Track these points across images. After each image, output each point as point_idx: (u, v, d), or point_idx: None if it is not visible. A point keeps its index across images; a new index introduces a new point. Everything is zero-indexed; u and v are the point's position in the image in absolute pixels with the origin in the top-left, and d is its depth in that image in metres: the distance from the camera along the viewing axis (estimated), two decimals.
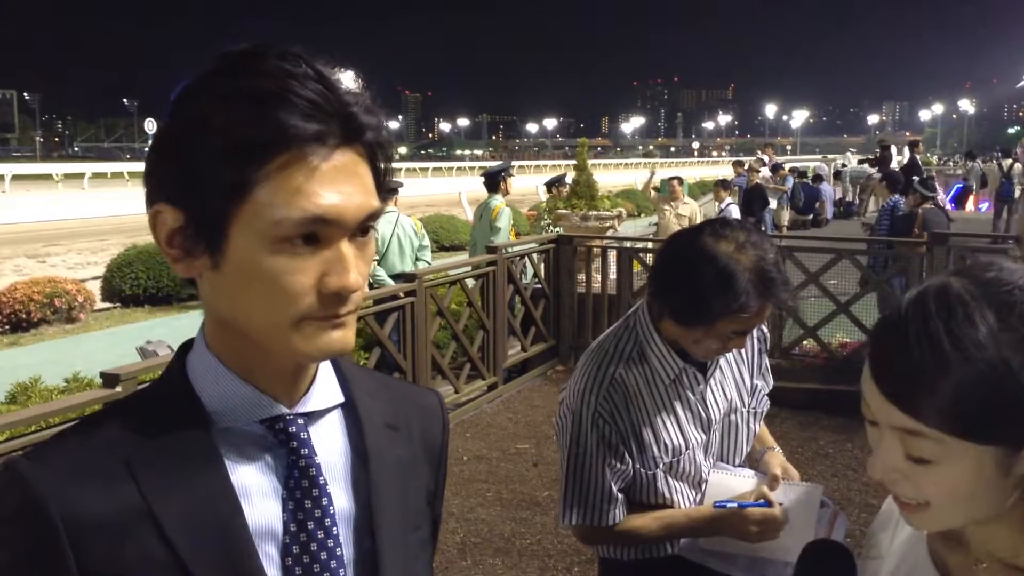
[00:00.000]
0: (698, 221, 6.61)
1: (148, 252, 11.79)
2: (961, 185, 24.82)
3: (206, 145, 0.80)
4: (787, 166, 20.95)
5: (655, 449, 1.90)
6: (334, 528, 0.90)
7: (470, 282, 6.81)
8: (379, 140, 0.87)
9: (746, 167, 17.36)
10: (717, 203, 11.93)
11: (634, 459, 1.90)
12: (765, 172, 17.67)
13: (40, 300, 10.26)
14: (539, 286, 7.75)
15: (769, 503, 1.87)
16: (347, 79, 0.84)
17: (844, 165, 26.48)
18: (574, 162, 10.60)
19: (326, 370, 0.96)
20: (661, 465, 1.91)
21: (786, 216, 18.15)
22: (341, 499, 0.92)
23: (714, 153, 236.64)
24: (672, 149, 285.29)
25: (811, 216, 19.62)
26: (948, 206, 21.02)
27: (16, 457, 0.85)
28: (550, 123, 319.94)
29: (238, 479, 0.87)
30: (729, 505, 1.88)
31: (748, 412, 2.07)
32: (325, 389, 0.95)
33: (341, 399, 0.96)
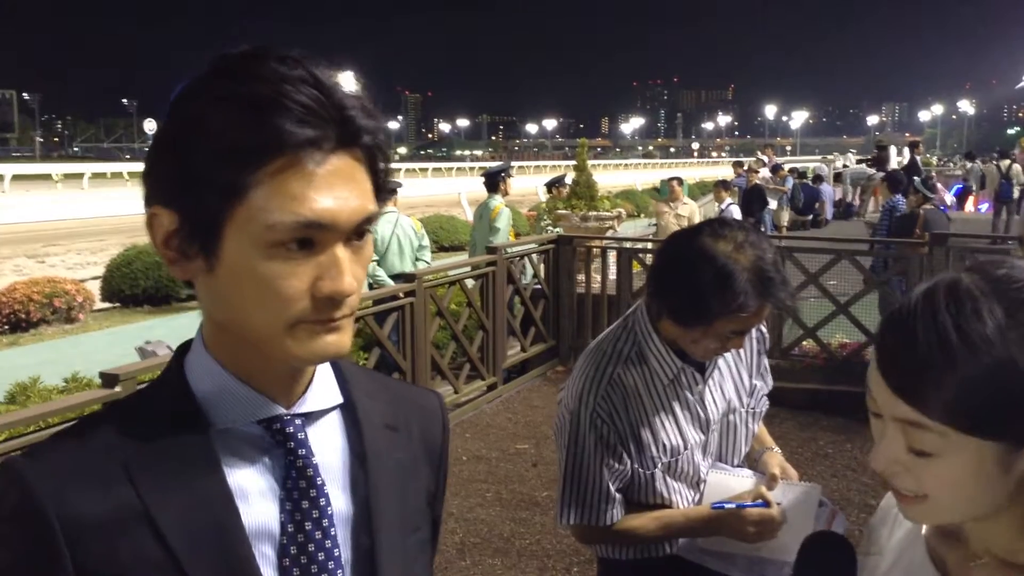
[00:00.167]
0: (697, 221, 6.61)
1: (148, 252, 11.78)
2: (961, 186, 24.82)
3: (201, 148, 0.80)
4: (787, 167, 20.94)
5: (653, 449, 1.90)
6: (332, 529, 0.90)
7: (470, 282, 6.81)
8: (377, 143, 0.86)
9: (745, 168, 17.36)
10: (717, 204, 11.93)
11: (632, 459, 1.90)
12: (765, 173, 17.68)
13: (39, 300, 10.26)
14: (539, 286, 7.75)
15: (767, 503, 1.87)
16: (346, 81, 0.84)
17: (845, 166, 26.48)
18: (574, 163, 10.61)
19: (325, 371, 0.96)
20: (659, 465, 1.91)
21: (786, 217, 18.15)
22: (339, 500, 0.92)
23: (714, 154, 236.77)
24: (672, 150, 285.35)
25: (811, 217, 19.62)
26: (952, 203, 21.04)
27: (14, 457, 0.85)
28: (550, 123, 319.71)
29: (235, 480, 0.87)
30: (727, 506, 1.88)
31: (747, 412, 2.07)
32: (323, 390, 0.95)
33: (340, 400, 0.96)
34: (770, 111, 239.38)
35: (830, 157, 34.01)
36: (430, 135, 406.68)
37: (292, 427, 0.90)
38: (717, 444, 2.03)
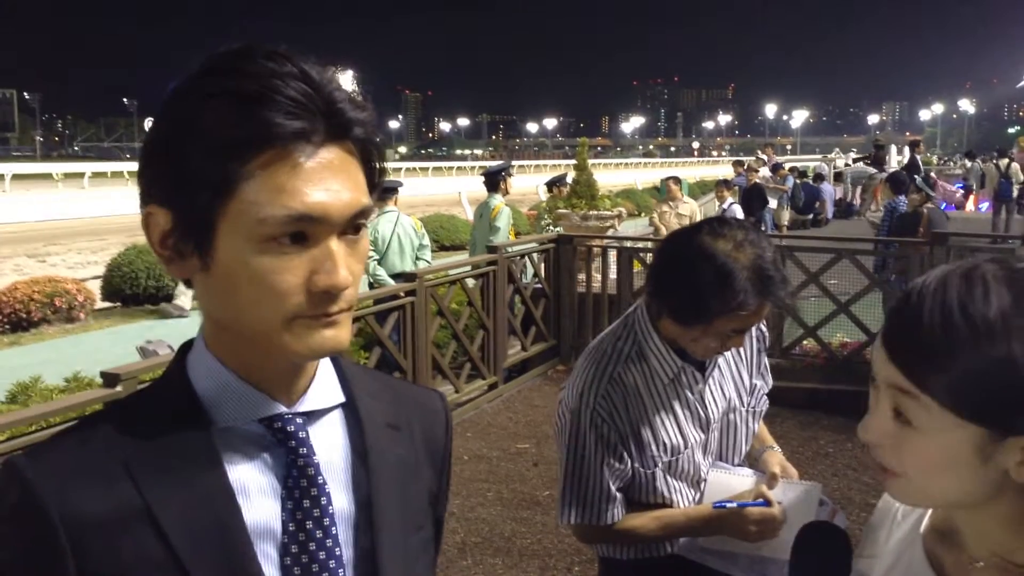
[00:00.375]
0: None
1: (148, 252, 11.74)
2: (961, 185, 24.80)
3: (192, 145, 0.80)
4: (787, 166, 20.93)
5: (654, 448, 1.90)
6: (333, 528, 0.90)
7: (470, 282, 6.81)
8: (369, 136, 0.86)
9: (745, 167, 17.36)
10: (719, 203, 11.92)
11: (633, 458, 1.90)
12: (765, 172, 17.69)
13: (40, 300, 10.26)
14: (539, 286, 7.75)
15: (768, 502, 1.87)
16: (340, 77, 0.84)
17: (847, 164, 26.46)
18: (574, 162, 10.60)
19: (326, 370, 0.96)
20: (660, 464, 1.91)
21: (786, 216, 18.15)
22: (341, 499, 0.92)
23: (714, 153, 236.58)
24: (672, 149, 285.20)
25: (811, 216, 19.60)
26: (959, 194, 21.02)
27: (16, 456, 0.85)
28: (550, 123, 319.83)
29: (237, 478, 0.87)
30: (728, 505, 1.89)
31: (747, 411, 2.07)
32: (325, 388, 0.95)
33: (341, 399, 0.96)
34: (770, 110, 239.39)
35: (831, 156, 34.00)
36: (430, 134, 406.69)
37: (293, 426, 0.90)
38: (717, 443, 2.03)
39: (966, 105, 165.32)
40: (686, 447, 1.93)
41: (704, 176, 45.85)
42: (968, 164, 25.56)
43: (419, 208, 24.45)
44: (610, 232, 9.37)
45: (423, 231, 7.68)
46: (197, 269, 0.84)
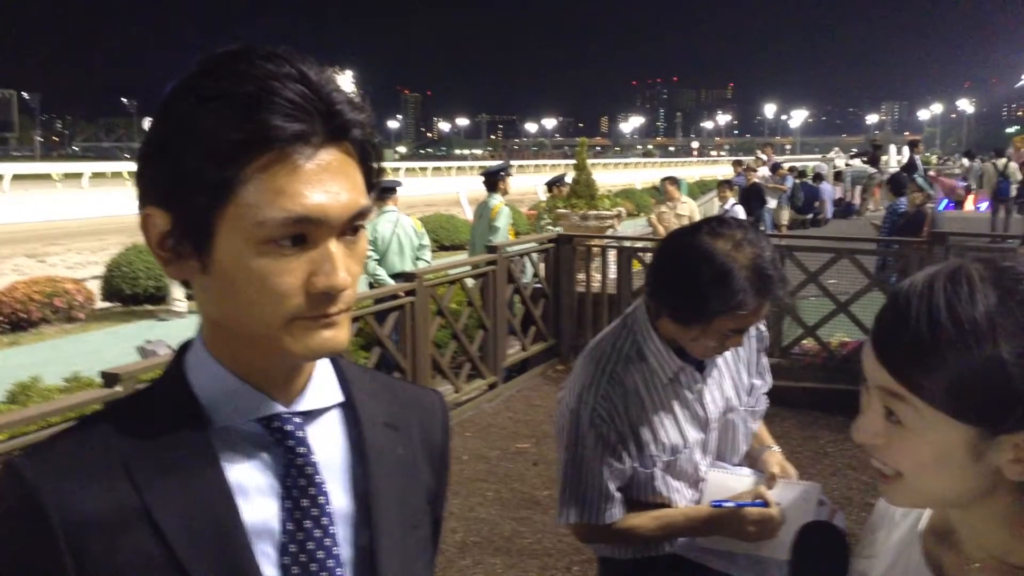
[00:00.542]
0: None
1: (147, 252, 11.69)
2: (961, 184, 24.80)
3: (189, 147, 0.80)
4: (786, 165, 20.93)
5: (653, 448, 1.90)
6: (332, 527, 0.90)
7: (470, 281, 6.81)
8: (367, 137, 0.86)
9: (744, 166, 17.37)
10: (721, 203, 11.92)
11: (632, 458, 1.90)
12: (764, 171, 17.70)
13: (40, 300, 10.26)
14: (539, 285, 7.75)
15: (766, 503, 1.87)
16: (339, 78, 0.84)
17: (847, 164, 26.48)
18: (573, 162, 10.60)
19: (324, 369, 0.96)
20: (659, 464, 1.91)
21: (785, 215, 18.15)
22: (339, 498, 0.92)
23: (713, 153, 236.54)
24: (671, 149, 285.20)
25: (811, 215, 19.61)
26: (960, 188, 21.03)
27: (15, 456, 0.85)
28: (549, 123, 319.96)
29: (235, 477, 0.87)
30: (726, 505, 1.89)
31: (746, 411, 2.07)
32: (323, 388, 0.95)
33: (340, 398, 0.96)
34: (769, 110, 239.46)
35: (830, 156, 34.01)
36: (429, 134, 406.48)
37: (291, 425, 0.90)
38: (716, 443, 2.03)
39: (965, 105, 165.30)
40: (685, 447, 1.93)
41: (703, 176, 45.84)
42: (967, 164, 25.56)
43: (419, 208, 24.45)
44: (609, 232, 9.37)
45: (423, 231, 7.68)
46: (196, 270, 0.84)
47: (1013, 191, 17.09)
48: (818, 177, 21.16)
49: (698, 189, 27.42)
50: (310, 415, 0.93)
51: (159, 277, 11.50)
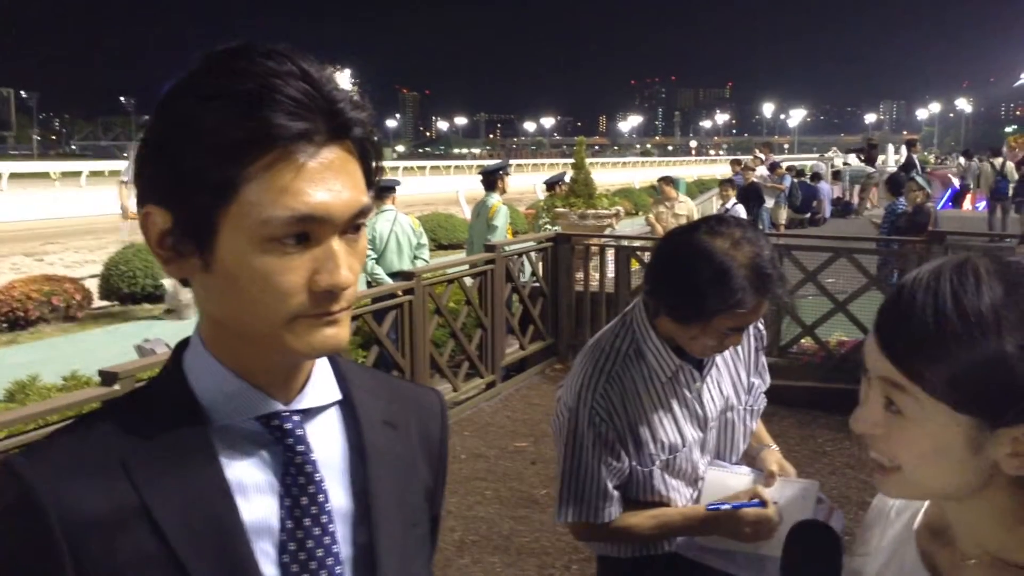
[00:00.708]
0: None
1: (146, 251, 11.73)
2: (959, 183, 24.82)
3: (192, 146, 0.80)
4: (785, 165, 20.94)
5: (651, 447, 1.90)
6: (331, 525, 0.90)
7: (468, 280, 6.81)
8: (368, 136, 0.86)
9: (742, 165, 17.38)
10: (723, 201, 11.90)
11: (630, 456, 1.90)
12: (762, 170, 17.71)
13: (38, 298, 10.24)
14: (537, 284, 7.75)
15: (763, 503, 1.87)
16: (337, 76, 0.84)
17: (846, 164, 26.50)
18: (572, 161, 10.60)
19: (323, 367, 0.96)
20: (658, 462, 1.92)
21: (783, 215, 18.15)
22: (338, 496, 0.92)
23: (711, 152, 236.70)
24: (669, 148, 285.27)
25: (809, 215, 19.61)
26: (950, 174, 21.04)
27: (13, 455, 0.85)
28: (547, 122, 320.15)
29: (234, 476, 0.87)
30: (722, 507, 1.88)
31: (745, 410, 2.07)
32: (322, 386, 0.95)
33: (338, 396, 0.96)
34: (768, 109, 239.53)
35: (828, 155, 34.04)
36: (428, 133, 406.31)
37: (290, 423, 0.90)
38: (715, 441, 2.03)
39: (963, 104, 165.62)
40: (684, 445, 1.93)
41: (702, 175, 45.83)
42: (963, 163, 25.59)
43: (417, 207, 24.42)
44: (608, 231, 9.37)
45: (421, 230, 7.69)
46: (197, 269, 0.84)
47: (1010, 190, 17.13)
48: (816, 176, 21.16)
49: (696, 188, 27.40)
50: (309, 413, 0.93)
51: (157, 276, 11.49)
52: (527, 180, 31.27)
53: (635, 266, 7.63)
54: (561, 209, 9.53)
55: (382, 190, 7.10)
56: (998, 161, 17.59)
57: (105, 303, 11.82)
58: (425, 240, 7.67)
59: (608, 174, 49.42)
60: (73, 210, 29.18)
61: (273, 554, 0.87)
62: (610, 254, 7.89)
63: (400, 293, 5.92)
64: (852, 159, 25.81)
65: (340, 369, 0.99)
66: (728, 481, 1.98)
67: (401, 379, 1.19)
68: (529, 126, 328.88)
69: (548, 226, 9.63)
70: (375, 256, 7.26)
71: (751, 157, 20.70)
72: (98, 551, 0.81)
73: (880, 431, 0.92)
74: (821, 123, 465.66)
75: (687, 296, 1.75)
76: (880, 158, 25.47)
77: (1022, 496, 0.90)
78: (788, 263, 6.78)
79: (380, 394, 1.02)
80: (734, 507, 1.87)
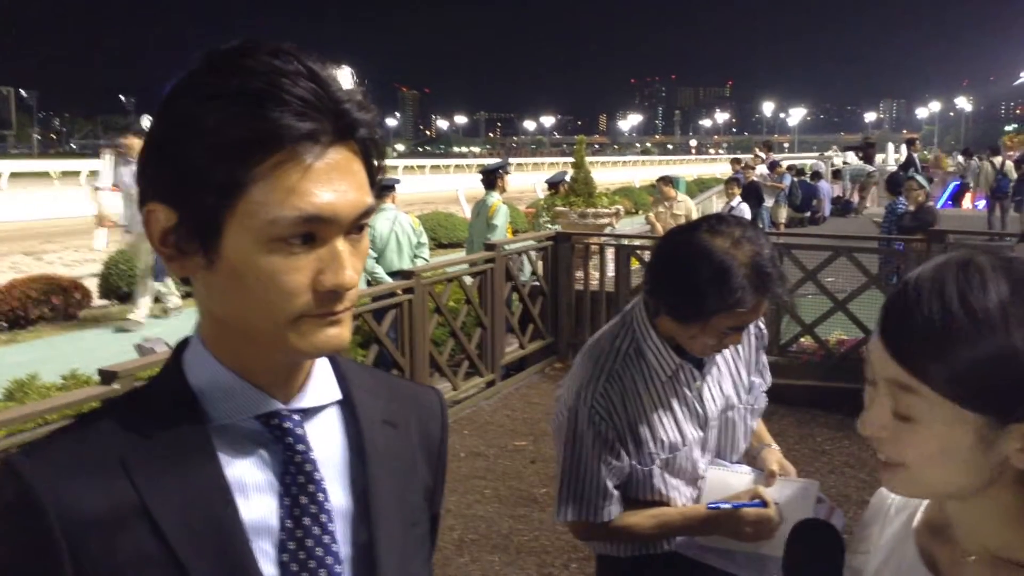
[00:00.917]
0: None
1: None
2: (958, 183, 24.82)
3: (198, 145, 0.79)
4: (785, 163, 20.94)
5: (651, 446, 1.90)
6: (330, 524, 0.90)
7: (468, 279, 6.81)
8: (372, 137, 0.86)
9: (743, 164, 17.38)
10: (728, 200, 11.88)
11: (630, 456, 1.90)
12: (761, 169, 17.71)
13: (37, 297, 10.23)
14: (537, 283, 7.75)
15: (764, 503, 1.87)
16: (340, 76, 0.84)
17: (845, 163, 26.51)
18: (572, 159, 10.59)
19: (323, 367, 0.96)
20: (657, 462, 1.91)
21: (783, 214, 18.16)
22: (338, 495, 0.92)
23: (711, 151, 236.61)
24: (669, 147, 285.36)
25: (808, 214, 19.62)
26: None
27: (12, 453, 0.85)
28: (547, 120, 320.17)
29: (234, 475, 0.87)
30: (723, 506, 1.88)
31: (745, 409, 2.06)
32: (321, 385, 0.95)
33: (338, 396, 0.96)
34: (768, 108, 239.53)
35: (828, 154, 34.04)
36: (428, 132, 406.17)
37: (290, 422, 0.90)
38: (716, 441, 2.03)
39: (963, 103, 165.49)
40: (684, 445, 1.93)
41: (701, 174, 45.80)
42: (962, 161, 25.60)
43: (417, 206, 24.40)
44: (607, 230, 9.37)
45: (421, 229, 7.68)
46: (200, 267, 0.84)
47: (1011, 189, 17.15)
48: (816, 175, 21.17)
49: (696, 187, 27.39)
50: (309, 412, 0.93)
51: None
52: (527, 179, 31.26)
53: (635, 265, 7.63)
54: (561, 208, 9.53)
55: (382, 189, 7.07)
56: (998, 160, 17.60)
57: (105, 302, 11.81)
58: (425, 239, 7.66)
59: (608, 173, 49.38)
60: (73, 209, 29.13)
61: (273, 553, 0.87)
62: (610, 253, 7.88)
63: (400, 292, 5.92)
64: (851, 157, 25.82)
65: (340, 368, 0.98)
66: (729, 480, 1.98)
67: (401, 378, 1.19)
68: (529, 125, 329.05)
69: (548, 225, 9.63)
70: (375, 255, 7.26)
71: (751, 156, 20.71)
72: (97, 550, 0.81)
73: (888, 433, 0.92)
74: (821, 122, 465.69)
75: (687, 295, 1.75)
76: (879, 157, 25.47)
77: None
78: (788, 262, 6.78)
79: (380, 393, 1.02)
80: (734, 506, 1.87)
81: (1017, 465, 0.87)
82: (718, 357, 1.99)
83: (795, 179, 19.38)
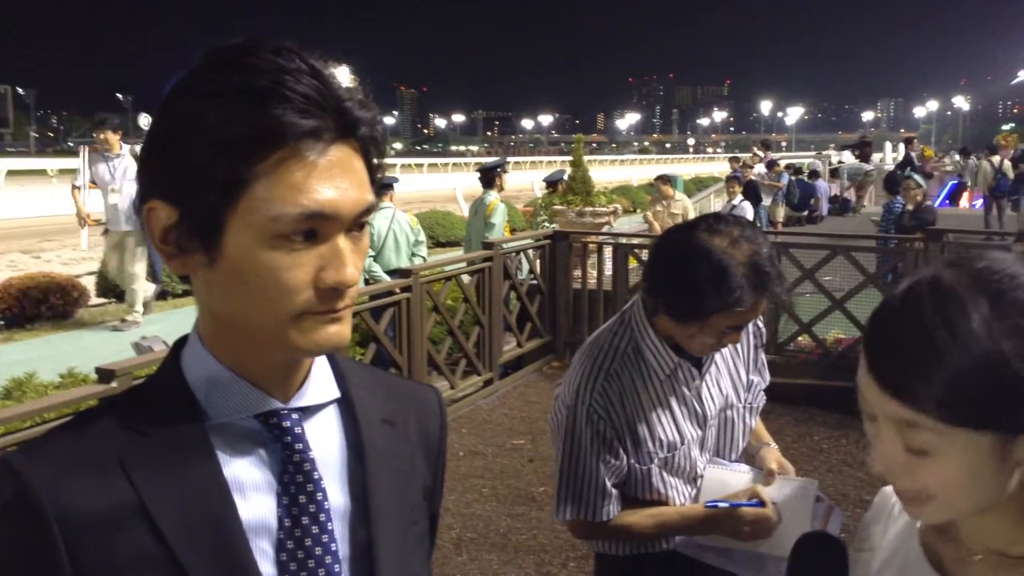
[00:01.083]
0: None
1: None
2: (956, 182, 24.84)
3: (199, 142, 0.79)
4: (782, 162, 20.93)
5: (650, 444, 1.90)
6: (329, 524, 0.90)
7: (466, 278, 6.81)
8: (373, 135, 0.86)
9: (741, 163, 17.38)
10: (729, 199, 11.88)
11: (629, 454, 1.90)
12: (759, 168, 17.71)
13: (35, 296, 10.22)
14: (535, 282, 7.75)
15: (762, 502, 1.87)
16: (341, 74, 0.84)
17: (841, 161, 26.51)
18: (570, 158, 10.60)
19: (321, 366, 0.96)
20: (656, 460, 1.91)
21: (781, 212, 18.15)
22: (336, 494, 0.92)
23: (709, 150, 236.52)
24: (667, 145, 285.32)
25: (806, 212, 19.61)
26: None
27: (10, 452, 0.85)
28: (545, 119, 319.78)
29: (232, 474, 0.87)
30: (721, 505, 1.88)
31: (744, 407, 2.06)
32: (320, 384, 0.94)
33: (337, 394, 0.96)
34: (765, 107, 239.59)
35: (826, 152, 34.06)
36: (425, 130, 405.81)
37: (289, 421, 0.90)
38: (714, 439, 2.03)
39: (961, 102, 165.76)
40: (682, 443, 1.93)
41: (699, 173, 45.78)
42: (959, 159, 25.61)
43: (415, 204, 24.39)
44: (605, 228, 9.38)
45: (419, 227, 7.68)
46: (201, 265, 0.84)
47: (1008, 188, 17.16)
48: (814, 174, 21.16)
49: (694, 186, 27.40)
50: (308, 411, 0.93)
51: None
52: (525, 177, 31.25)
53: (633, 264, 7.63)
54: (559, 207, 9.54)
55: (380, 187, 7.08)
56: (996, 159, 17.60)
57: (102, 300, 11.80)
58: (423, 237, 7.66)
59: (606, 172, 49.42)
60: (70, 207, 29.10)
61: (271, 552, 0.87)
62: (608, 252, 7.88)
63: (398, 291, 5.92)
64: (847, 156, 25.83)
65: (339, 367, 0.98)
66: (727, 479, 1.98)
67: (399, 377, 1.19)
68: (527, 123, 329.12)
69: (546, 224, 9.64)
70: (373, 253, 7.26)
71: (749, 155, 20.71)
72: (95, 549, 0.81)
73: (901, 468, 0.91)
74: (819, 121, 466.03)
75: (685, 294, 1.75)
76: (877, 156, 25.48)
77: None
78: (786, 261, 6.78)
79: (378, 392, 1.02)
80: (732, 506, 1.87)
81: None
82: (717, 356, 1.99)
83: (793, 178, 19.36)
